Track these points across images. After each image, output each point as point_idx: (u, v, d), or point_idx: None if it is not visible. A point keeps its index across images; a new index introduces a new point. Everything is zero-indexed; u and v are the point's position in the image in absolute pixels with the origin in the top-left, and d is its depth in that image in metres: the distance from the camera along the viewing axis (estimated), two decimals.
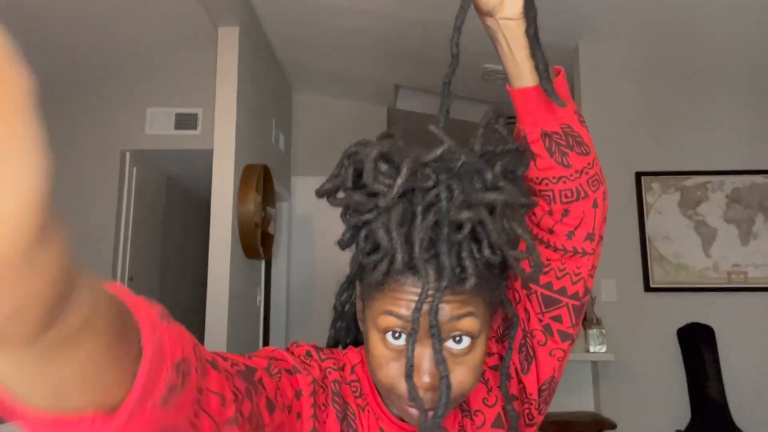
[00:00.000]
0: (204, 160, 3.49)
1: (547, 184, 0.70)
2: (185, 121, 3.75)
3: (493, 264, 0.60)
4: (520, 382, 0.74)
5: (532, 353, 0.73)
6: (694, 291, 2.91)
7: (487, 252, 0.58)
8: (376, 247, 0.60)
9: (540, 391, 0.74)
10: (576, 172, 0.69)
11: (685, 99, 3.11)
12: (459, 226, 0.58)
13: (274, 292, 4.18)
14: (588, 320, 2.85)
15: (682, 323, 2.87)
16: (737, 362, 2.83)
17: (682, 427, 2.79)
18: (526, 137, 0.70)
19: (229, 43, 3.15)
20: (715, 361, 2.79)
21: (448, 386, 0.59)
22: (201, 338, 3.01)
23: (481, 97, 4.29)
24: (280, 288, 4.24)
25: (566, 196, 0.69)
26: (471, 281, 0.58)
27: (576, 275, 0.71)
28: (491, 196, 0.58)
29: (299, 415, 0.64)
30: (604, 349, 2.76)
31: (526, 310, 0.73)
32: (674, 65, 3.14)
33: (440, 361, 0.59)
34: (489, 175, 0.59)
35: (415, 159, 0.59)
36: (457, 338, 0.62)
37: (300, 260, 4.35)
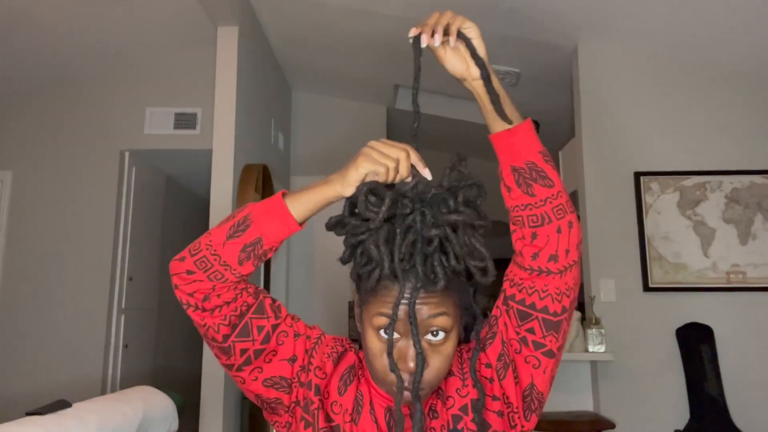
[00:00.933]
0: (203, 159, 3.49)
1: (517, 211, 0.84)
2: (184, 121, 3.75)
3: (459, 272, 0.79)
4: (501, 386, 0.87)
5: (508, 361, 0.87)
6: (692, 291, 2.91)
7: (453, 261, 0.77)
8: (369, 260, 0.79)
9: (523, 397, 0.87)
10: (540, 201, 0.83)
11: (684, 99, 3.11)
12: (430, 241, 0.77)
13: (274, 292, 4.19)
14: (587, 320, 2.85)
15: (681, 323, 2.87)
16: (736, 362, 2.83)
17: (681, 427, 2.80)
18: (502, 173, 0.86)
19: (228, 43, 3.15)
20: (714, 360, 2.79)
21: (423, 360, 0.78)
22: (199, 338, 3.01)
23: None
24: (280, 288, 4.25)
25: (533, 221, 0.83)
26: (441, 283, 0.77)
27: (543, 292, 0.84)
28: (453, 218, 0.77)
29: (307, 354, 0.89)
30: (603, 348, 2.76)
31: (505, 323, 0.87)
32: (673, 65, 3.14)
33: (416, 342, 0.78)
34: (451, 202, 0.79)
35: (395, 192, 0.79)
36: (434, 332, 0.81)
37: (299, 260, 4.35)
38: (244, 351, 0.85)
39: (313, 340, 0.91)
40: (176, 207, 4.83)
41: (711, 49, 3.05)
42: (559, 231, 0.83)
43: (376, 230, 0.78)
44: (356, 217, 0.80)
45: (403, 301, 0.79)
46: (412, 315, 0.78)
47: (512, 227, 0.87)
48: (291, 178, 4.51)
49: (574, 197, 3.33)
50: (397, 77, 4.27)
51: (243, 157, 3.23)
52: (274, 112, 4.02)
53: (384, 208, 0.77)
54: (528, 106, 4.26)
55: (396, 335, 0.81)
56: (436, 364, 0.81)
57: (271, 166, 3.78)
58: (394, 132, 4.86)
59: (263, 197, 3.36)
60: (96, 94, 3.81)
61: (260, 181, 3.29)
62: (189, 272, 0.84)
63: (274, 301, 0.90)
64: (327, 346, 0.92)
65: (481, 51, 0.86)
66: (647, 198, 3.00)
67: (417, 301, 0.79)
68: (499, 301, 0.89)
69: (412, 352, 0.79)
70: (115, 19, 3.34)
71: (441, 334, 0.81)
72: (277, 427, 0.91)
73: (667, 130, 3.08)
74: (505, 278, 0.89)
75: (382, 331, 0.81)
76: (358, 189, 0.80)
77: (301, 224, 0.83)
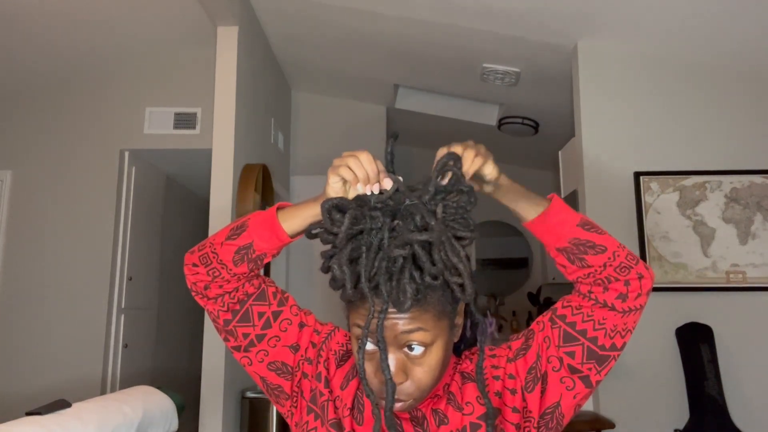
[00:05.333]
0: (203, 159, 3.49)
1: (581, 281, 0.84)
2: (184, 121, 3.75)
3: (437, 286, 0.76)
4: (523, 399, 0.86)
5: (539, 375, 0.86)
6: (692, 291, 2.91)
7: (428, 278, 0.73)
8: (335, 278, 0.77)
9: (543, 413, 0.85)
10: (599, 267, 0.82)
11: (684, 98, 3.11)
12: (396, 260, 0.73)
13: (282, 288, 4.19)
14: None
15: (681, 323, 2.87)
16: (736, 362, 2.83)
17: (681, 427, 2.80)
18: (550, 254, 0.86)
19: (228, 43, 3.15)
20: (714, 360, 2.79)
21: (393, 387, 0.76)
22: (199, 337, 3.01)
23: (480, 97, 4.29)
24: (279, 285, 4.24)
25: (600, 284, 0.83)
26: (407, 303, 0.73)
27: (599, 324, 0.84)
28: (416, 237, 0.72)
29: (314, 346, 0.92)
30: None
31: (546, 338, 0.86)
32: (674, 64, 3.14)
33: (385, 367, 0.76)
34: (417, 218, 0.74)
35: (363, 206, 0.76)
36: (411, 347, 0.79)
37: (299, 260, 4.35)
38: (246, 335, 0.90)
39: (323, 335, 0.93)
40: (176, 207, 4.83)
41: (711, 48, 3.05)
42: (627, 284, 0.82)
43: (340, 249, 0.75)
44: (327, 232, 0.78)
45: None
46: (380, 338, 0.76)
47: (578, 286, 0.87)
48: (290, 178, 4.51)
49: (574, 197, 3.33)
50: (397, 77, 4.27)
51: (243, 157, 3.23)
52: (273, 112, 4.02)
53: (344, 228, 0.74)
54: (528, 105, 4.26)
55: (374, 347, 0.80)
56: (417, 376, 0.80)
57: (271, 165, 3.79)
58: (394, 132, 4.86)
59: (263, 197, 3.37)
60: (96, 94, 3.81)
61: (260, 181, 3.29)
62: (194, 265, 0.88)
63: (283, 292, 0.95)
64: (337, 342, 0.94)
65: (491, 169, 0.81)
66: (647, 198, 3.00)
67: (390, 317, 0.77)
68: (545, 317, 0.88)
69: (390, 365, 0.78)
70: (114, 18, 3.34)
71: (419, 349, 0.79)
72: (282, 413, 0.95)
73: (666, 130, 3.08)
74: (560, 300, 0.89)
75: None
76: (322, 205, 0.77)
77: (292, 236, 0.86)
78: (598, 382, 0.86)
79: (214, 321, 0.92)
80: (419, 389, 0.80)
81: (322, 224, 0.79)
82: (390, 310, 0.77)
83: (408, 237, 0.73)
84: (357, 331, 0.81)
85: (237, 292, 0.89)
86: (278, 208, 0.87)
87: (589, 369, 0.84)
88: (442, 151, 0.80)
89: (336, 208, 0.76)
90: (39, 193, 3.68)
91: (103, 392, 3.46)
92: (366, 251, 0.75)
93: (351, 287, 0.74)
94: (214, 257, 0.86)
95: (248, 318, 0.90)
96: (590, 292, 0.84)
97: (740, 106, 3.09)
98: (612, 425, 2.68)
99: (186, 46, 3.77)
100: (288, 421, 0.93)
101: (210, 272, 0.86)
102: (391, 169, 0.82)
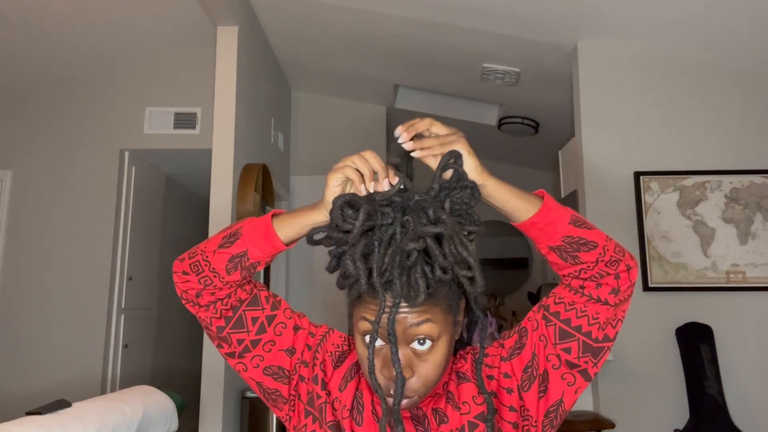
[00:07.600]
0: (203, 159, 3.49)
1: (572, 276, 0.84)
2: (184, 121, 3.75)
3: (446, 281, 0.77)
4: (520, 398, 0.86)
5: (535, 374, 0.86)
6: (692, 290, 2.91)
7: (438, 272, 0.75)
8: (348, 274, 0.77)
9: (548, 412, 0.86)
10: (591, 263, 0.82)
11: (684, 98, 3.12)
12: (409, 254, 0.74)
13: (273, 292, 4.19)
14: None
15: (681, 323, 2.87)
16: (735, 362, 2.83)
17: (681, 427, 2.80)
18: (541, 252, 0.86)
19: (228, 42, 3.15)
20: (714, 360, 2.79)
21: (402, 381, 0.76)
22: (199, 337, 3.01)
23: (480, 97, 4.29)
24: (279, 288, 4.25)
25: (592, 280, 0.84)
26: (420, 297, 0.74)
27: (593, 319, 0.85)
28: (431, 229, 0.73)
29: (310, 349, 0.91)
30: None
31: (542, 337, 0.86)
32: (673, 64, 3.14)
33: (395, 361, 0.76)
34: (431, 212, 0.75)
35: (372, 202, 0.76)
36: (421, 341, 0.79)
37: (299, 260, 4.35)
38: (240, 341, 0.89)
39: (318, 337, 0.93)
40: (176, 207, 4.83)
41: (711, 48, 3.05)
42: (617, 277, 0.83)
43: (353, 244, 0.76)
44: (338, 229, 0.78)
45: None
46: (391, 332, 0.76)
47: (569, 281, 0.86)
48: (290, 178, 4.51)
49: (574, 197, 3.33)
50: (397, 77, 4.27)
51: (243, 157, 3.23)
52: (273, 112, 4.02)
53: (359, 223, 0.74)
54: (528, 106, 4.26)
55: (381, 342, 0.80)
56: (423, 372, 0.80)
57: (271, 165, 3.79)
58: (394, 132, 4.85)
59: (263, 197, 3.37)
60: (96, 94, 3.81)
61: (260, 181, 3.29)
62: (184, 272, 0.87)
63: (275, 296, 0.93)
64: (332, 344, 0.93)
65: (471, 170, 0.80)
66: (647, 198, 3.00)
67: (399, 310, 0.77)
68: (537, 315, 0.88)
69: (399, 358, 0.79)
70: (114, 18, 3.34)
71: (428, 343, 0.79)
72: (280, 417, 0.94)
73: (667, 129, 3.08)
74: (550, 295, 0.88)
75: (367, 337, 0.81)
76: (334, 201, 0.77)
77: (287, 244, 0.85)
78: (595, 374, 0.87)
79: (206, 328, 0.90)
80: (425, 386, 0.81)
81: (329, 225, 0.79)
82: (401, 304, 0.77)
83: (422, 230, 0.74)
84: (365, 325, 0.80)
85: (230, 298, 0.88)
86: (272, 216, 0.86)
87: (586, 362, 0.85)
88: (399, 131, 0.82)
89: (348, 204, 0.76)
90: (39, 193, 3.68)
91: (103, 392, 3.46)
92: (378, 246, 0.75)
93: (365, 284, 0.75)
94: (206, 265, 0.84)
95: (242, 324, 0.89)
96: (582, 287, 0.84)
97: (740, 106, 3.09)
98: (612, 425, 2.68)
99: (186, 46, 3.77)
100: (286, 425, 0.92)
101: (202, 280, 0.85)
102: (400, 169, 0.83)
